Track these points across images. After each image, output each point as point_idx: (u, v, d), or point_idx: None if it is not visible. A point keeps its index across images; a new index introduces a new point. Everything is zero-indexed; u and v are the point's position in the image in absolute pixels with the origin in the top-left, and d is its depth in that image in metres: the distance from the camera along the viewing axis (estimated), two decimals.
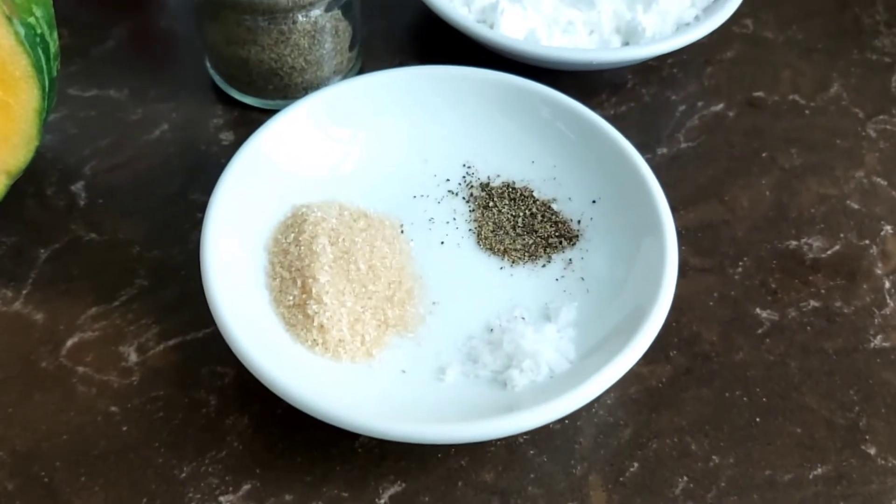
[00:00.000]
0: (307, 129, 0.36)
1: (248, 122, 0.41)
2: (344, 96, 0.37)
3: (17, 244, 0.36)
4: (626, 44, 0.41)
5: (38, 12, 0.31)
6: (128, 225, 0.37)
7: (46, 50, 0.32)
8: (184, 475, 0.30)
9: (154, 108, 0.41)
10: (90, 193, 0.38)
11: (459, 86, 0.37)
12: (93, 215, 0.37)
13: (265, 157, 0.35)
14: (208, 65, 0.42)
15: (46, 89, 0.32)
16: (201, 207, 0.37)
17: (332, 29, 0.39)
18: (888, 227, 0.38)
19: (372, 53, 0.44)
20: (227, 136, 0.40)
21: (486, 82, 0.37)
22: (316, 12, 0.38)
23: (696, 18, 0.42)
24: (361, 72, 0.43)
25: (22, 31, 0.30)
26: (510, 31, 0.41)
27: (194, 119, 0.41)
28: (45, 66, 0.32)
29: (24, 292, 0.35)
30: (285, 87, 0.40)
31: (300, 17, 0.37)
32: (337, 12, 0.39)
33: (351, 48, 0.41)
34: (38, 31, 0.31)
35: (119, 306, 0.34)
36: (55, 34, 0.33)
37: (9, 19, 0.29)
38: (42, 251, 0.36)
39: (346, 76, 0.42)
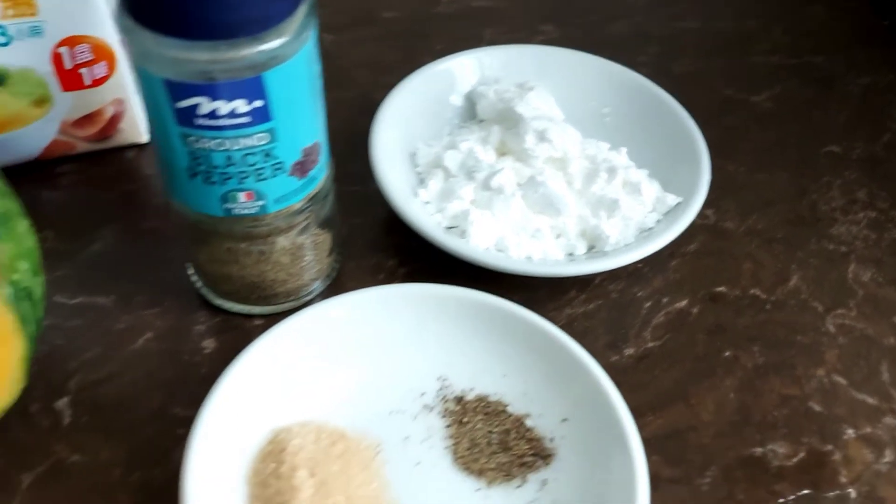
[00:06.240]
0: (285, 353, 0.37)
1: (231, 328, 0.42)
2: (320, 319, 0.38)
3: (1, 468, 0.37)
4: (591, 247, 0.43)
5: (22, 266, 0.33)
6: (111, 444, 0.38)
7: (31, 297, 0.34)
8: None
9: (139, 316, 0.42)
10: (74, 411, 0.39)
11: (429, 303, 0.39)
12: (76, 435, 0.38)
13: (245, 383, 0.36)
14: (190, 272, 0.43)
15: (33, 334, 0.34)
16: (182, 423, 0.38)
17: (311, 244, 0.41)
18: (850, 431, 0.39)
19: (350, 252, 0.45)
20: (209, 344, 0.41)
21: (452, 299, 0.39)
22: (295, 234, 0.39)
23: (658, 222, 0.44)
24: (340, 272, 0.44)
25: (8, 290, 0.32)
26: (480, 238, 0.42)
27: (177, 326, 0.42)
28: (31, 314, 0.33)
29: None
30: (267, 297, 0.42)
31: (280, 240, 0.39)
32: (317, 229, 0.40)
33: (330, 254, 0.43)
34: (23, 285, 0.33)
35: None
36: (41, 278, 0.35)
37: None
38: (26, 475, 0.37)
39: (325, 280, 0.43)
